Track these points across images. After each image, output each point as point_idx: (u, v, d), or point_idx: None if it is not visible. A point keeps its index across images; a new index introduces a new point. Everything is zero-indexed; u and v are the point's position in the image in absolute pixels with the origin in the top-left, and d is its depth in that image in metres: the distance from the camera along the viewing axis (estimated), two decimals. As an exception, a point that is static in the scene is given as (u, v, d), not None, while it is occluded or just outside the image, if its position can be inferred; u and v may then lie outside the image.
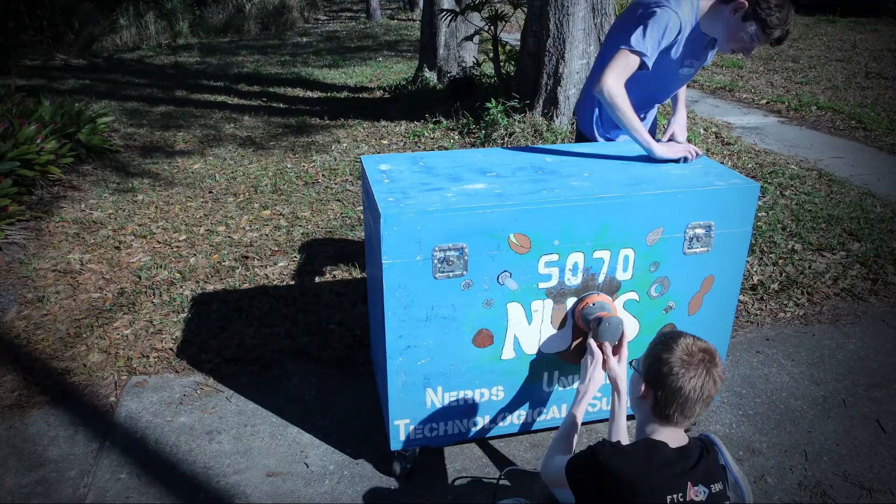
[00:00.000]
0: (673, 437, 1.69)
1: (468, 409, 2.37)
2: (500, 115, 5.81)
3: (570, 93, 5.68)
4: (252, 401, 2.84)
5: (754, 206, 2.31)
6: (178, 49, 12.13)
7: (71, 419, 2.73)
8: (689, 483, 1.61)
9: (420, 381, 2.26)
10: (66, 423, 2.70)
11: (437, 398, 2.31)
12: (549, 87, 5.71)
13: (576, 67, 5.63)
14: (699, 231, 2.28)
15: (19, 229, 4.39)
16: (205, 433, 2.65)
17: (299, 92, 8.47)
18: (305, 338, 3.25)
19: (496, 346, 2.28)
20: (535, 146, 3.02)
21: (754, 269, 3.84)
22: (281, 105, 7.72)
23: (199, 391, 2.90)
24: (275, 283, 3.75)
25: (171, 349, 3.17)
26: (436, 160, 2.52)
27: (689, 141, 5.91)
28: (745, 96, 7.96)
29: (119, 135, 6.51)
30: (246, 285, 3.72)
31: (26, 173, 4.69)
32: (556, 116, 5.68)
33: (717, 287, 2.40)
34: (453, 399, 2.33)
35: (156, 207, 4.79)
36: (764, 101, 7.72)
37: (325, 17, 17.03)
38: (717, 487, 1.66)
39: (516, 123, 5.67)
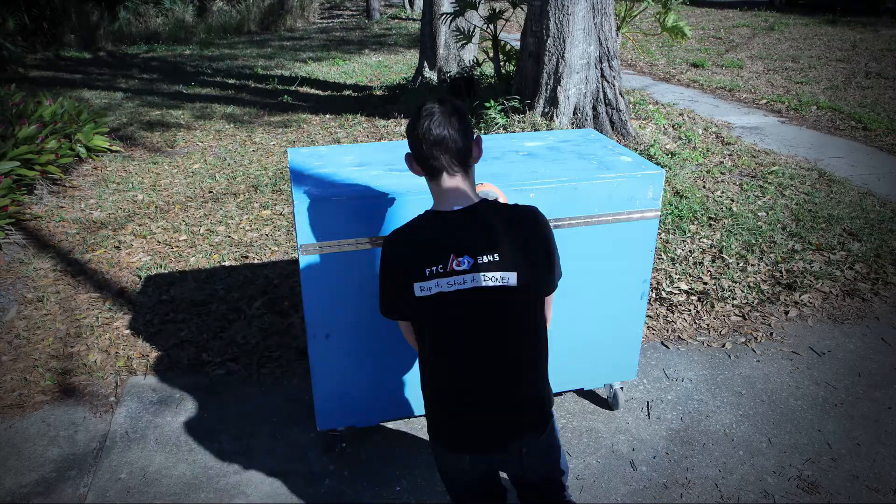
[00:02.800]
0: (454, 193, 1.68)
1: (392, 390, 2.44)
2: (499, 114, 5.81)
3: (569, 93, 5.67)
4: (252, 401, 2.84)
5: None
6: (177, 47, 12.13)
7: (71, 419, 2.73)
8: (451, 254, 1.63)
9: (343, 363, 2.35)
10: (66, 423, 2.70)
11: (361, 380, 2.39)
12: (549, 86, 5.71)
13: (576, 67, 5.63)
14: None
15: (19, 229, 4.39)
16: (205, 433, 2.65)
17: (299, 91, 8.46)
18: (305, 337, 3.25)
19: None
20: None
21: (754, 269, 3.84)
22: (282, 104, 7.72)
23: (199, 391, 2.90)
24: (275, 282, 3.75)
25: (171, 349, 3.17)
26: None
27: (688, 140, 5.93)
28: (745, 96, 7.96)
29: (119, 134, 6.51)
30: (246, 285, 3.72)
31: (26, 173, 4.69)
32: (556, 116, 5.68)
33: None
34: (379, 381, 2.41)
35: (156, 207, 4.79)
36: (764, 101, 7.72)
37: (325, 19, 17.02)
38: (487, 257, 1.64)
39: (516, 123, 5.67)
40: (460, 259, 1.61)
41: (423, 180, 1.72)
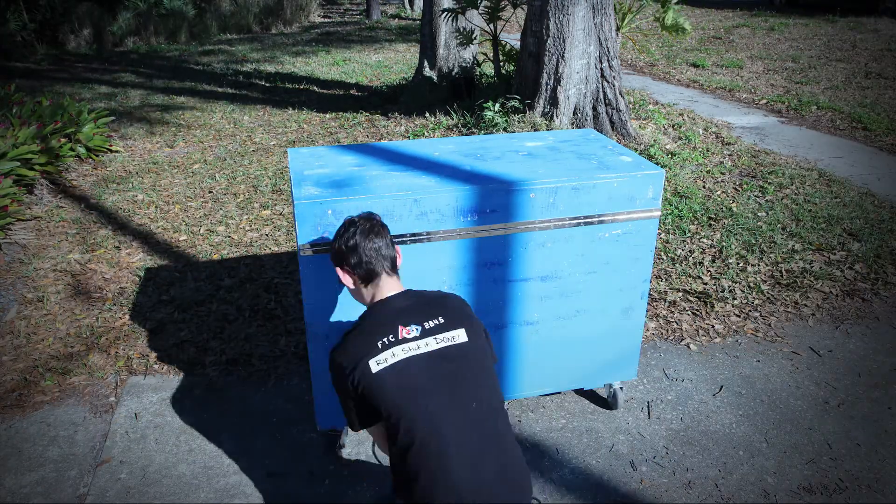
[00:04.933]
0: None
1: None
2: (499, 114, 5.81)
3: (569, 93, 5.67)
4: (252, 401, 2.84)
5: None
6: (177, 45, 12.12)
7: (71, 419, 2.73)
8: (399, 325, 1.74)
9: None
10: (66, 423, 2.70)
11: None
12: (549, 87, 5.71)
13: (576, 67, 5.63)
14: None
15: (19, 229, 4.40)
16: (205, 433, 2.65)
17: (299, 90, 8.47)
18: (305, 337, 3.25)
19: None
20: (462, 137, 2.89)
21: (754, 269, 3.84)
22: (282, 103, 7.72)
23: (199, 391, 2.90)
24: (275, 282, 3.75)
25: (171, 349, 3.17)
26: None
27: (688, 140, 5.92)
28: (745, 96, 7.96)
29: (119, 134, 6.51)
30: (246, 285, 3.72)
31: (26, 173, 4.69)
32: (556, 116, 5.68)
33: None
34: None
35: (156, 207, 4.79)
36: (764, 101, 7.72)
37: (325, 18, 17.03)
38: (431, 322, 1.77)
39: (516, 123, 5.67)
40: (409, 328, 1.73)
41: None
